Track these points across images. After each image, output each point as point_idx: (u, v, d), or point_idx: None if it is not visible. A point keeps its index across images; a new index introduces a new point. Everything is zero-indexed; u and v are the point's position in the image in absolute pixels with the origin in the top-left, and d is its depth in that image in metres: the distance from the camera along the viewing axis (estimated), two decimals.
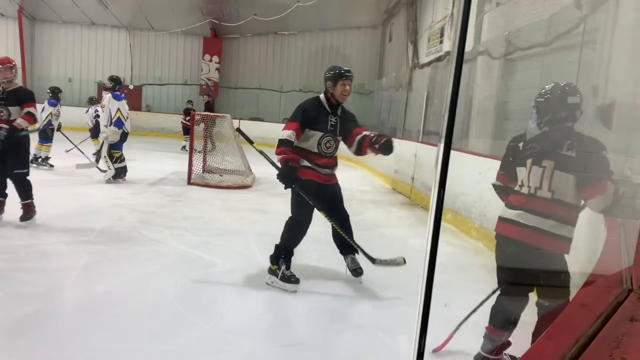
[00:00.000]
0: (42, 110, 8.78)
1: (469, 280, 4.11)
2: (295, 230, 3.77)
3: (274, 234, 4.50)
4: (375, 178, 10.96)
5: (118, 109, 7.43)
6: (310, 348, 2.85)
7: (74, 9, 19.05)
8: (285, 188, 3.66)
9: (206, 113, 9.85)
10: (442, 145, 0.96)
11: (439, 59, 10.41)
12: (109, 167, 7.56)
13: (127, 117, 7.62)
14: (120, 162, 7.71)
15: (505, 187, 2.61)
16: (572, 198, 2.29)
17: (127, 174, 7.87)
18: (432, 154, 7.07)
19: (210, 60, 20.60)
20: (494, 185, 2.68)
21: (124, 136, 7.65)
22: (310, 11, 15.39)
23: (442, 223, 4.23)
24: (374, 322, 3.22)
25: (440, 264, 3.94)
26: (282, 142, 3.57)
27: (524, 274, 2.46)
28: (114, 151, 7.64)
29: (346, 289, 3.78)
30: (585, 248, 2.61)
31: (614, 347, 1.25)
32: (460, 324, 2.75)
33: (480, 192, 5.57)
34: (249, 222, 5.79)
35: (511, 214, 2.46)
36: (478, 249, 5.29)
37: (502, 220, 2.51)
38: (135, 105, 20.43)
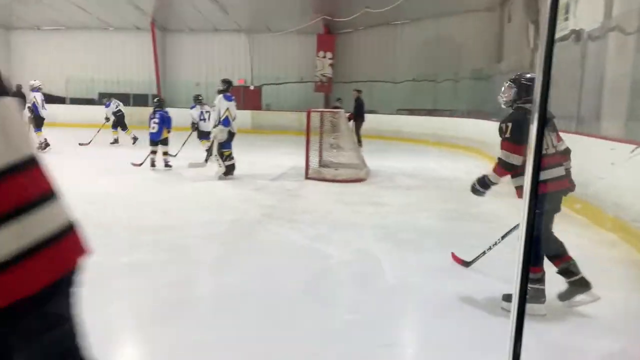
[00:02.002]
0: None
1: (602, 274, 3.83)
2: None
3: (389, 227, 4.55)
4: None
5: (227, 108, 7.92)
6: (429, 343, 2.86)
7: (199, 17, 20.47)
8: None
9: (324, 110, 10.11)
10: (534, 127, 0.95)
11: (563, 38, 9.69)
12: (219, 164, 8.09)
13: (235, 118, 8.08)
14: (230, 159, 8.21)
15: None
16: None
17: (235, 171, 8.35)
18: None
19: (324, 57, 21.02)
20: (512, 164, 3.11)
21: (231, 136, 8.13)
22: None
23: (571, 214, 4.07)
24: (472, 315, 3.14)
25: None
26: None
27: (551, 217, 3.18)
28: (224, 150, 8.16)
29: (460, 285, 3.72)
30: None
31: None
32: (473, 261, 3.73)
33: (614, 180, 5.14)
34: (365, 215, 5.88)
35: (551, 173, 3.10)
36: (612, 241, 4.90)
37: (545, 181, 3.04)
38: (255, 105, 21.52)
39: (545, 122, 0.96)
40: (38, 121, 11.02)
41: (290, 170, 9.35)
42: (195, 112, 10.41)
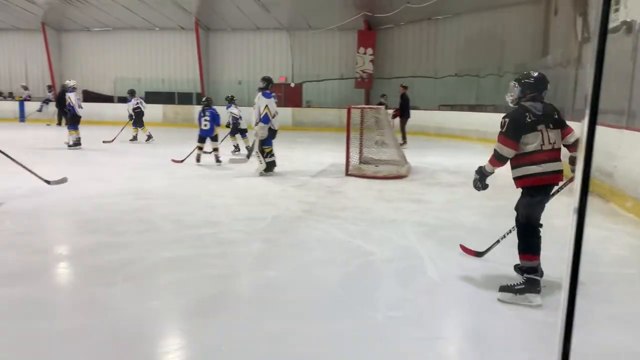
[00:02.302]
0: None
1: None
2: None
3: (431, 224, 4.52)
4: None
5: (266, 106, 8.02)
6: (473, 340, 2.84)
7: (241, 16, 20.76)
8: None
9: (364, 106, 10.10)
10: (586, 121, 0.94)
11: (614, 30, 9.33)
12: (260, 161, 8.20)
13: (274, 115, 8.16)
14: (270, 156, 8.30)
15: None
16: (560, 144, 3.36)
17: (276, 167, 8.45)
18: (607, 135, 6.41)
19: (365, 53, 20.94)
20: (504, 157, 3.35)
21: (272, 133, 8.22)
22: None
23: (622, 212, 4.03)
24: (516, 311, 3.09)
25: (621, 257, 3.71)
26: None
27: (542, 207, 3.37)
28: (265, 147, 8.26)
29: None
30: None
31: None
32: (488, 249, 3.96)
33: None
34: (406, 212, 5.85)
35: (547, 167, 3.27)
36: None
37: (539, 174, 3.27)
38: (296, 102, 21.66)
39: (595, 118, 0.96)
40: (74, 119, 11.54)
41: (330, 167, 9.38)
42: (235, 110, 10.88)
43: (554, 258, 3.45)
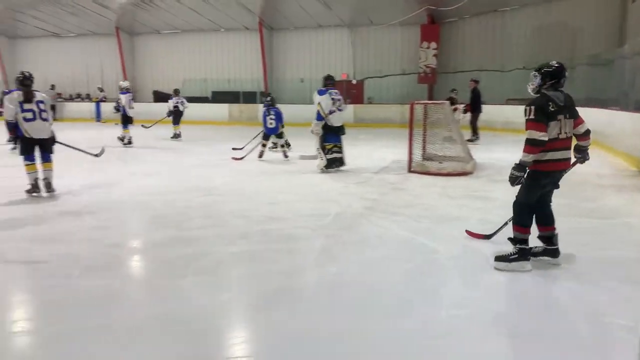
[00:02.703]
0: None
1: None
2: None
3: (496, 222, 4.41)
4: (616, 159, 9.70)
5: (319, 103, 8.09)
6: (541, 340, 2.76)
7: (303, 14, 20.97)
8: None
9: (427, 102, 9.95)
10: None
11: None
12: (321, 157, 8.25)
13: (332, 112, 8.15)
14: (331, 153, 8.31)
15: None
16: (572, 133, 3.66)
17: (340, 164, 8.43)
18: None
19: (428, 47, 20.59)
20: (540, 141, 3.44)
21: (332, 129, 8.23)
22: None
23: None
24: (586, 314, 2.95)
25: None
26: None
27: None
28: (326, 143, 8.30)
29: (572, 280, 3.51)
30: None
31: None
32: (496, 231, 4.27)
33: None
34: (471, 210, 5.72)
35: (562, 154, 3.58)
36: None
37: (553, 161, 3.55)
38: (358, 99, 21.63)
39: None
40: (125, 119, 12.11)
41: (392, 163, 9.31)
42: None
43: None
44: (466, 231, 4.55)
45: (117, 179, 7.63)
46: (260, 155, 9.89)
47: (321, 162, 8.29)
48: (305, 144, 10.21)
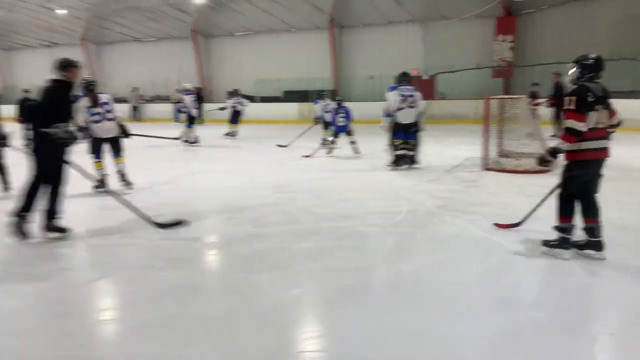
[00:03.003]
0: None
1: None
2: None
3: (577, 221, 4.19)
4: None
5: (387, 100, 8.09)
6: (622, 343, 2.61)
7: (374, 11, 20.87)
8: None
9: (503, 96, 9.62)
10: None
11: None
12: (390, 154, 8.21)
13: (397, 110, 8.04)
14: (399, 149, 8.21)
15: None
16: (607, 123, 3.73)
17: (411, 162, 8.30)
18: None
19: (503, 40, 19.86)
20: (579, 131, 3.57)
21: (400, 126, 8.12)
22: None
23: None
24: None
25: None
26: None
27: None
28: (395, 139, 8.21)
29: None
30: None
31: None
32: (525, 218, 4.47)
33: None
34: (549, 209, 5.45)
35: (599, 143, 3.66)
36: None
37: (590, 150, 3.65)
38: (429, 94, 21.21)
39: None
40: (190, 119, 12.63)
41: (466, 161, 9.08)
42: (318, 107, 11.39)
43: None
44: (494, 224, 4.68)
45: (192, 177, 7.96)
46: (330, 152, 10.10)
47: (390, 158, 8.24)
48: (373, 140, 10.19)
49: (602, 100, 3.65)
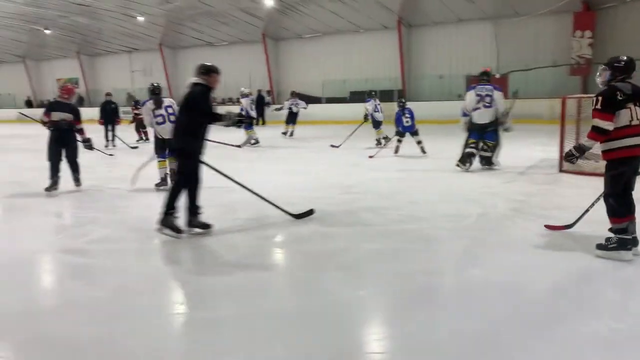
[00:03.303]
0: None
1: None
2: None
3: None
4: None
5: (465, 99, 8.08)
6: None
7: (443, 9, 20.45)
8: None
9: (581, 95, 9.17)
10: None
11: None
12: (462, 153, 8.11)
13: (473, 109, 7.84)
14: (469, 148, 8.00)
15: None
16: None
17: (486, 163, 8.11)
18: None
19: (582, 36, 18.88)
20: (605, 129, 3.63)
21: (477, 126, 7.97)
22: None
23: None
24: None
25: None
26: None
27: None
28: (469, 139, 8.06)
29: None
30: None
31: None
32: (578, 220, 4.38)
33: None
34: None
35: (634, 140, 3.62)
36: None
37: (629, 147, 3.64)
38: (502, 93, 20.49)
39: None
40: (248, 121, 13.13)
41: (541, 162, 8.73)
42: (369, 105, 11.73)
43: None
44: (545, 225, 4.58)
45: (261, 177, 8.13)
46: (396, 151, 10.22)
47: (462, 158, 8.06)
48: (442, 140, 10.03)
49: (633, 97, 3.66)
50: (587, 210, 4.32)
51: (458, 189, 6.77)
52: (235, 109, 24.35)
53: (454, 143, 8.82)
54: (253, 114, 13.67)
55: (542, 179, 7.29)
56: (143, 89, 29.37)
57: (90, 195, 6.86)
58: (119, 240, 4.73)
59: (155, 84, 7.18)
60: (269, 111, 21.17)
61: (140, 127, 14.06)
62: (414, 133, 10.19)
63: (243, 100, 13.42)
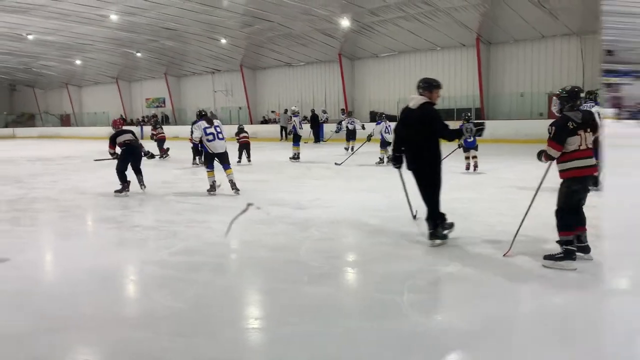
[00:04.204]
0: None
1: None
2: None
3: None
4: None
5: None
6: None
7: (525, 26, 19.82)
8: None
9: None
10: None
11: None
12: None
13: None
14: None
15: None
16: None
17: (591, 183, 7.65)
18: None
19: None
20: (553, 156, 4.20)
21: None
22: None
23: None
24: None
25: None
26: None
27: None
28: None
29: None
30: None
31: None
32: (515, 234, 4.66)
33: None
34: None
35: (583, 162, 4.15)
36: None
37: (578, 168, 4.15)
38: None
39: None
40: (296, 137, 14.43)
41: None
42: (380, 127, 12.41)
43: None
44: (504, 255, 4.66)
45: (333, 195, 8.20)
46: (467, 168, 10.55)
47: None
48: (522, 160, 9.62)
49: (583, 125, 4.12)
50: (517, 230, 4.68)
51: (538, 211, 6.45)
52: (308, 127, 24.88)
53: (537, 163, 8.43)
54: (301, 131, 14.76)
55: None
56: (225, 108, 30.87)
57: (172, 207, 7.33)
58: (198, 253, 4.95)
59: (204, 111, 8.98)
60: (328, 131, 21.82)
61: (161, 145, 15.66)
62: (475, 148, 10.49)
63: (295, 119, 14.53)
